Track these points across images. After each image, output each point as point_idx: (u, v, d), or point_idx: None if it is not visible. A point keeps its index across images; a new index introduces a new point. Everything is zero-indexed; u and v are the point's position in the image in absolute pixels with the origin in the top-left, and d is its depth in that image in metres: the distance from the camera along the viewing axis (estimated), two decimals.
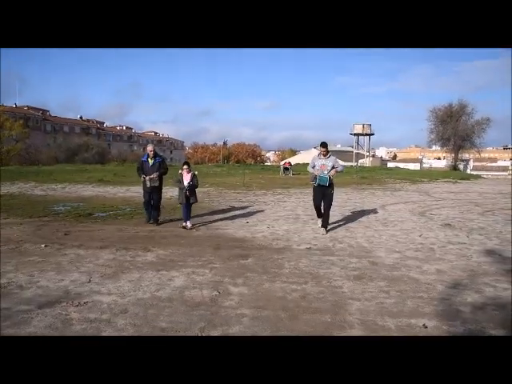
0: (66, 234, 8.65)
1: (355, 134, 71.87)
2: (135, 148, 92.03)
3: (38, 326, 4.16)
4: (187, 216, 9.57)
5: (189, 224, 9.52)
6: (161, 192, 10.12)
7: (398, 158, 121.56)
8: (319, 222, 9.43)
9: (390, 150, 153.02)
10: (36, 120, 74.52)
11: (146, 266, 6.32)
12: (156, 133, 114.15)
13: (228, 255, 6.99)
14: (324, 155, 9.06)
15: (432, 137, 56.77)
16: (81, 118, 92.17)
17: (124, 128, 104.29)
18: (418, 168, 73.10)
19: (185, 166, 9.53)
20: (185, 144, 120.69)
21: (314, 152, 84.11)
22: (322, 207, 9.24)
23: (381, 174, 34.47)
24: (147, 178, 9.64)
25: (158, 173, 9.73)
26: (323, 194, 9.00)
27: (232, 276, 5.83)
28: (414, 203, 15.10)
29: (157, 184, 9.74)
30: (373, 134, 72.39)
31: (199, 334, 3.99)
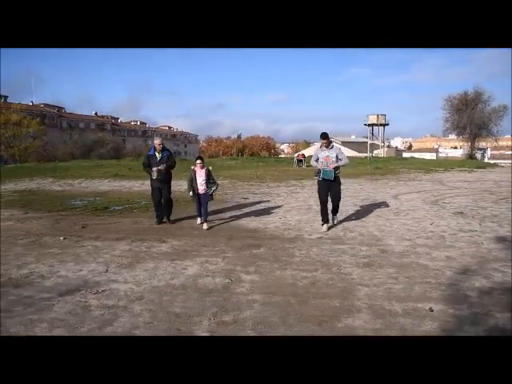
0: (83, 227, 8.91)
1: (369, 125, 71.29)
2: (150, 143, 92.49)
3: (59, 311, 4.38)
4: (202, 213, 8.92)
5: (205, 226, 8.66)
6: (170, 187, 9.54)
7: (413, 148, 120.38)
8: (324, 227, 8.41)
9: (406, 140, 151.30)
10: (52, 117, 75.54)
11: (160, 256, 6.52)
12: (170, 127, 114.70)
13: (240, 245, 7.15)
14: (326, 146, 8.40)
15: (447, 126, 56.12)
16: (96, 114, 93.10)
17: (138, 123, 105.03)
18: (434, 158, 72.33)
19: (198, 161, 8.73)
20: (199, 138, 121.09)
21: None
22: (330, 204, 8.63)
23: (395, 165, 34.25)
24: (154, 168, 8.97)
25: (165, 164, 9.09)
26: (329, 189, 8.44)
27: (244, 264, 5.99)
28: (427, 192, 15.06)
29: (162, 177, 9.10)
30: (387, 125, 71.67)
31: (212, 319, 4.16)
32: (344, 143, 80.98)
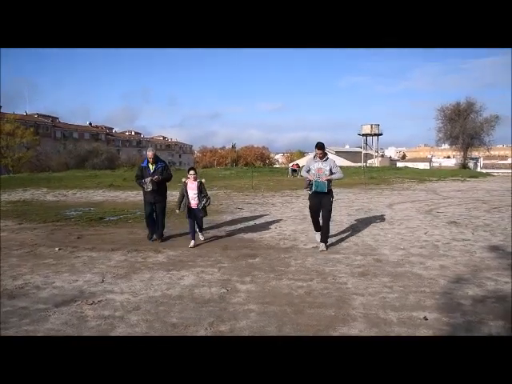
0: (78, 238, 8.90)
1: (363, 135, 71.71)
2: (144, 153, 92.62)
3: (55, 322, 4.38)
4: (198, 228, 8.40)
5: (201, 237, 8.45)
6: (165, 203, 8.67)
7: (407, 158, 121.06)
8: (317, 235, 7.99)
9: (399, 149, 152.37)
10: (46, 127, 75.36)
11: (156, 266, 6.53)
12: (165, 137, 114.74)
13: (236, 255, 7.18)
14: (320, 158, 7.67)
15: (440, 135, 56.48)
16: (90, 124, 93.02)
17: (133, 133, 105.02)
18: (428, 167, 72.75)
19: (191, 172, 8.05)
20: (193, 148, 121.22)
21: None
22: (320, 218, 7.97)
23: (389, 174, 34.46)
24: (147, 179, 8.17)
25: (160, 176, 8.31)
26: (321, 203, 7.70)
27: (240, 274, 6.02)
28: (421, 202, 15.17)
29: (156, 190, 8.25)
30: (381, 134, 72.14)
31: (208, 329, 4.18)
32: (338, 153, 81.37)
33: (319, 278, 5.84)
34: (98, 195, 19.04)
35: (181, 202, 8.07)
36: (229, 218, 11.69)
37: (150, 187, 8.19)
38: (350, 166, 54.77)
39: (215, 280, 5.78)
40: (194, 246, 7.86)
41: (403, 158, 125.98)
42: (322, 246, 7.64)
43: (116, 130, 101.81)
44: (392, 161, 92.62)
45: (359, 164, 61.76)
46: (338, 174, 7.70)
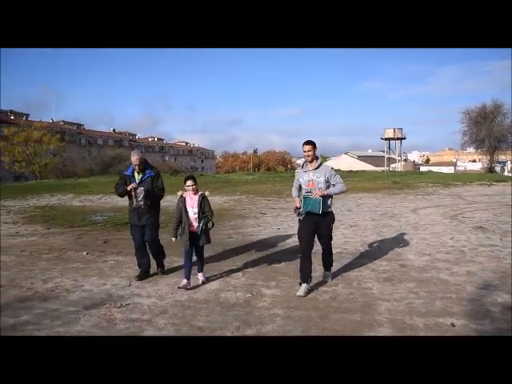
0: (105, 242, 9.09)
1: (386, 139, 71.08)
2: (167, 158, 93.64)
3: (86, 325, 4.50)
4: (191, 268, 5.90)
5: (200, 278, 6.00)
6: (157, 225, 6.50)
7: (431, 162, 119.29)
8: (302, 288, 5.39)
9: (423, 153, 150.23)
10: (71, 134, 76.98)
11: (182, 270, 6.60)
12: (187, 143, 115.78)
13: (260, 259, 7.22)
14: (311, 163, 5.57)
15: (465, 139, 55.65)
16: (114, 130, 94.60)
17: (155, 139, 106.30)
18: (452, 171, 71.58)
19: (189, 183, 5.82)
20: (215, 153, 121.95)
21: (345, 158, 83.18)
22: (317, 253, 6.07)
23: (413, 179, 34.01)
24: (140, 188, 6.12)
25: (144, 188, 6.14)
26: (316, 229, 5.55)
27: (265, 279, 6.06)
28: (446, 207, 14.95)
29: (143, 203, 6.13)
30: (404, 138, 71.42)
31: (234, 333, 4.23)
32: (360, 157, 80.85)
33: (344, 283, 5.84)
34: (123, 200, 19.29)
35: (178, 225, 5.89)
36: (252, 222, 11.75)
37: (140, 201, 6.11)
38: (373, 171, 54.33)
39: (240, 284, 5.83)
40: (188, 287, 5.68)
41: (427, 162, 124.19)
42: (327, 275, 5.97)
43: (139, 135, 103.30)
44: (415, 165, 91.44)
45: (382, 168, 61.19)
46: (338, 186, 5.51)
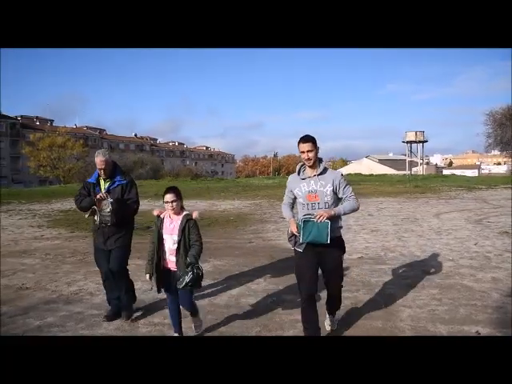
0: None
1: (408, 142, 70.33)
2: (187, 163, 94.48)
3: (108, 328, 4.58)
4: (180, 320, 4.33)
5: (195, 329, 4.41)
6: (127, 251, 5.08)
7: (454, 165, 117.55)
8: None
9: (446, 156, 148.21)
10: (94, 139, 78.39)
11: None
12: (207, 147, 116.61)
13: (281, 265, 7.22)
14: (312, 167, 3.99)
15: (490, 141, 54.44)
16: (135, 135, 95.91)
17: (176, 144, 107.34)
18: (476, 174, 70.34)
19: (168, 197, 4.13)
20: (235, 157, 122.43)
21: (366, 162, 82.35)
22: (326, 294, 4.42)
23: (435, 182, 33.55)
24: (108, 200, 4.71)
25: (112, 199, 4.73)
26: (321, 265, 4.05)
27: (285, 284, 6.05)
28: (470, 211, 14.68)
29: (109, 219, 4.72)
30: (426, 141, 70.53)
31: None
32: (382, 161, 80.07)
33: (365, 288, 5.79)
34: (144, 204, 19.53)
35: (152, 256, 4.19)
36: (273, 227, 11.75)
37: (106, 217, 4.70)
38: (394, 174, 53.76)
39: (261, 290, 5.84)
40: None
41: (450, 165, 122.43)
42: (332, 321, 4.49)
43: (160, 140, 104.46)
44: (438, 168, 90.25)
45: (403, 172, 60.50)
46: (350, 203, 3.94)
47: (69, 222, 13.53)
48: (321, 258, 3.96)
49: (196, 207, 17.45)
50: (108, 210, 4.70)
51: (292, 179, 4.15)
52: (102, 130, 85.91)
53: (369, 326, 4.50)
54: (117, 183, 4.89)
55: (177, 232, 4.08)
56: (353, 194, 3.96)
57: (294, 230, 3.87)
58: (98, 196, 4.71)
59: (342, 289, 4.34)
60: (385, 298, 5.40)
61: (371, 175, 50.31)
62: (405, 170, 65.01)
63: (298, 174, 4.06)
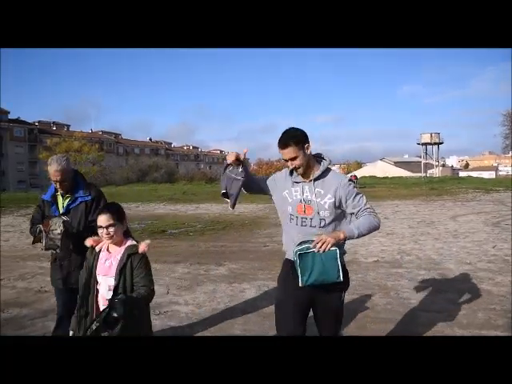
0: None
1: (423, 144, 69.70)
2: (202, 166, 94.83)
3: None
4: None
5: None
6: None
7: (470, 167, 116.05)
8: None
9: (462, 158, 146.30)
10: (109, 143, 79.16)
11: (218, 278, 6.69)
12: (221, 151, 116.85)
13: None
14: (306, 174, 2.84)
15: (507, 142, 53.70)
16: (150, 139, 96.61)
17: (191, 147, 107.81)
18: (493, 176, 69.34)
19: (102, 219, 2.82)
20: (250, 161, 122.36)
21: (381, 164, 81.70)
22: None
23: (451, 184, 33.18)
24: (57, 220, 3.46)
25: (65, 218, 3.53)
26: (313, 305, 2.89)
27: None
28: (488, 213, 14.49)
29: (59, 245, 3.45)
30: (441, 143, 69.85)
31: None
32: (397, 163, 79.44)
33: (381, 292, 5.75)
34: (159, 208, 19.72)
35: (83, 302, 2.93)
36: None
37: (55, 241, 3.44)
38: (410, 177, 53.31)
39: None
40: None
41: (466, 166, 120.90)
42: None
43: (174, 144, 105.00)
44: (454, 170, 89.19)
45: (419, 174, 59.95)
46: (369, 219, 2.75)
47: None
48: (315, 297, 2.80)
49: (211, 210, 17.54)
50: (58, 230, 3.39)
51: (282, 176, 2.98)
52: (117, 135, 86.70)
53: (385, 330, 4.46)
54: (79, 200, 3.62)
55: (115, 272, 2.78)
56: (368, 206, 2.77)
57: (230, 159, 2.90)
58: (43, 227, 3.45)
59: (358, 293, 4.31)
60: (401, 301, 5.36)
61: (386, 178, 49.98)
62: (420, 172, 64.37)
63: (291, 174, 2.87)
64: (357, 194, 2.79)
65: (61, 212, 3.61)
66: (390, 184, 37.09)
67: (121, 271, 2.78)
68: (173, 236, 11.28)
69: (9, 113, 66.61)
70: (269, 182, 3.09)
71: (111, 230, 2.81)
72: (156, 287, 6.11)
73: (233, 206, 3.06)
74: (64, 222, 3.44)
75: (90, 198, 3.67)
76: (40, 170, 61.04)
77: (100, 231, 2.83)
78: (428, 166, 69.13)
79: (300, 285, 2.62)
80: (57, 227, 3.42)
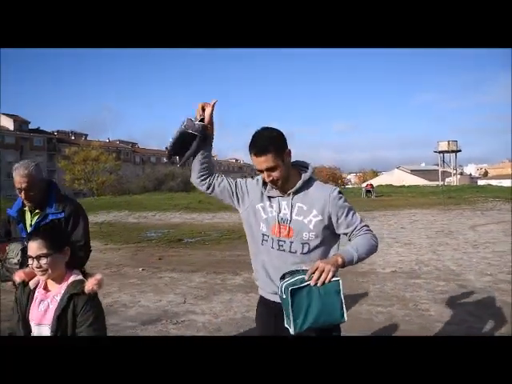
0: (159, 259, 9.34)
1: (440, 152, 68.97)
2: None
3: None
4: None
5: None
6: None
7: (489, 175, 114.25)
8: None
9: (480, 166, 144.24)
10: (126, 153, 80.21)
11: (235, 288, 6.68)
12: (237, 160, 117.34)
13: None
14: (283, 188, 2.20)
15: None
16: (166, 148, 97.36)
17: None
18: None
19: (32, 247, 2.11)
20: None
21: (397, 173, 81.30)
22: None
23: (470, 193, 32.70)
24: (14, 252, 2.75)
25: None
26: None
27: None
28: (508, 223, 14.20)
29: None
30: (459, 151, 69.01)
31: None
32: (413, 171, 78.76)
33: (400, 303, 5.68)
34: (176, 217, 19.84)
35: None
36: None
37: (13, 269, 2.67)
38: (427, 185, 52.77)
39: None
40: None
41: (485, 175, 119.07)
42: None
43: None
44: (472, 178, 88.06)
45: (436, 183, 59.29)
46: (367, 239, 2.20)
47: (103, 234, 13.86)
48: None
49: (227, 220, 17.57)
50: (15, 260, 2.74)
51: (254, 184, 2.35)
52: (133, 144, 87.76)
53: None
54: (50, 217, 2.90)
55: (51, 319, 2.13)
56: (364, 223, 2.23)
57: (197, 113, 2.29)
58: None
59: (376, 304, 4.28)
60: (420, 313, 5.28)
61: (403, 186, 49.53)
62: (437, 180, 63.65)
63: (264, 186, 2.27)
64: (350, 209, 2.21)
65: (29, 231, 2.88)
66: (406, 193, 36.74)
67: (59, 318, 2.10)
68: (189, 245, 11.33)
69: (29, 123, 68.08)
70: (237, 185, 2.36)
71: (43, 262, 2.09)
72: (173, 296, 6.20)
73: (182, 165, 2.50)
74: (23, 249, 2.65)
75: (62, 215, 2.89)
76: (58, 178, 62.01)
77: (30, 263, 2.12)
78: (445, 175, 68.31)
79: (292, 333, 1.91)
80: (14, 255, 2.73)
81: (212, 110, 2.28)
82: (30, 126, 68.04)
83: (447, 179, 66.51)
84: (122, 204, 27.94)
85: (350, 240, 2.21)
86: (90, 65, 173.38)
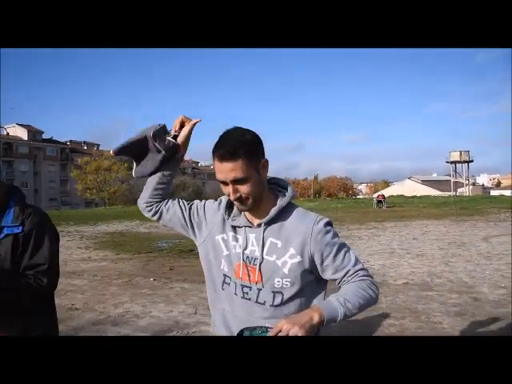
0: (170, 269, 9.38)
1: (452, 162, 68.56)
2: None
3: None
4: None
5: None
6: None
7: (502, 185, 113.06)
8: None
9: (493, 176, 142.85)
10: None
11: None
12: None
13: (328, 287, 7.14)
14: (253, 211, 1.62)
15: None
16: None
17: None
18: None
19: None
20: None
21: (408, 183, 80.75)
22: None
23: (482, 204, 32.40)
24: None
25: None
26: None
27: None
28: None
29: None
30: (471, 161, 68.54)
31: None
32: (425, 182, 78.29)
33: (412, 316, 5.63)
34: None
35: None
36: None
37: None
38: (439, 196, 52.40)
39: None
40: None
41: (498, 185, 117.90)
42: None
43: (202, 163, 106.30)
44: (485, 189, 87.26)
45: (448, 193, 58.84)
46: (363, 288, 1.60)
47: (114, 244, 13.97)
48: None
49: None
50: None
51: (214, 209, 1.80)
52: None
53: None
54: (5, 232, 2.11)
55: None
56: (360, 266, 1.67)
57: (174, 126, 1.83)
58: None
59: (388, 316, 4.25)
60: (433, 326, 5.24)
61: (414, 197, 49.22)
62: (449, 191, 63.21)
63: (228, 212, 1.72)
64: (340, 246, 1.66)
65: None
66: (418, 203, 36.52)
67: None
68: None
69: (43, 133, 69.05)
70: (192, 211, 1.84)
71: None
72: (184, 307, 6.22)
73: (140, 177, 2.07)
74: None
75: (20, 230, 2.10)
76: (71, 188, 62.87)
77: None
78: (458, 185, 67.82)
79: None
80: None
81: (191, 129, 1.81)
82: (44, 136, 68.95)
83: (459, 189, 65.99)
84: (133, 214, 28.14)
85: (339, 288, 1.66)
86: (109, 78, 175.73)
